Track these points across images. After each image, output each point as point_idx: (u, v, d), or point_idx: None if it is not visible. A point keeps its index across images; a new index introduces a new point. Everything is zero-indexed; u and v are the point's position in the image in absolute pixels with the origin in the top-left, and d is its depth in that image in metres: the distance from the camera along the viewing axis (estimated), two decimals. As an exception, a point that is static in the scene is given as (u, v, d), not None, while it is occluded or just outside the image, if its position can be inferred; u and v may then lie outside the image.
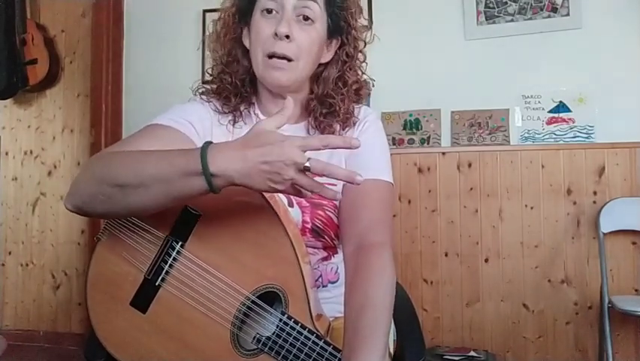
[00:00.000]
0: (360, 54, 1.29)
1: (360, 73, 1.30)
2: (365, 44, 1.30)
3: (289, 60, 1.16)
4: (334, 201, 1.21)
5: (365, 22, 1.33)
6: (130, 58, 3.49)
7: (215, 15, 3.37)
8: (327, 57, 1.25)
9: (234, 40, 1.26)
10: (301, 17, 1.17)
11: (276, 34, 1.14)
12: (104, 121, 3.40)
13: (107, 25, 3.45)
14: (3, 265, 3.66)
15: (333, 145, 0.88)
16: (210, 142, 0.90)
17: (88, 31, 3.56)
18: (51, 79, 3.56)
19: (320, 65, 1.25)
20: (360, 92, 1.29)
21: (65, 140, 3.61)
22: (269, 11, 1.17)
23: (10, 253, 3.65)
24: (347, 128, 1.26)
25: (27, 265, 3.62)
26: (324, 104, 1.24)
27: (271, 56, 1.16)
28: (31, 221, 3.63)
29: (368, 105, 2.91)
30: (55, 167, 3.61)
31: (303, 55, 1.17)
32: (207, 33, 1.34)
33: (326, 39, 1.23)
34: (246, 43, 1.24)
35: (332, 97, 1.23)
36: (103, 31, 3.44)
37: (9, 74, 3.35)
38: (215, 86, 1.29)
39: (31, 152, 3.66)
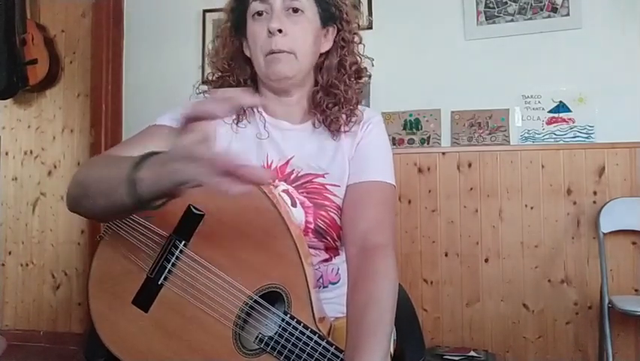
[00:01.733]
0: (355, 37, 1.30)
1: (358, 58, 1.30)
2: (359, 26, 1.32)
3: (287, 52, 1.18)
4: (337, 202, 1.22)
5: (355, 8, 1.34)
6: (130, 58, 3.49)
7: (216, 15, 3.38)
8: (326, 46, 1.27)
9: (235, 51, 1.27)
10: (290, 11, 1.19)
11: (269, 32, 1.16)
12: (104, 121, 3.40)
13: (107, 25, 3.45)
14: (3, 265, 3.65)
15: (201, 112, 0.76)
16: (154, 153, 0.84)
17: (88, 31, 3.56)
18: (51, 79, 3.55)
19: (321, 54, 1.27)
20: (360, 75, 1.30)
21: (65, 140, 3.61)
22: (259, 14, 1.19)
23: (10, 253, 3.65)
24: (351, 124, 1.26)
25: (27, 265, 3.61)
26: (329, 95, 1.25)
27: (270, 54, 1.17)
28: (31, 221, 3.63)
29: (368, 105, 2.92)
30: (55, 167, 3.61)
31: (300, 46, 1.19)
32: (207, 50, 1.36)
33: (321, 28, 1.24)
34: (247, 53, 1.25)
35: (336, 86, 1.25)
36: (103, 31, 3.44)
37: (9, 74, 3.36)
38: (218, 85, 1.29)
39: (31, 152, 3.66)
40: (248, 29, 1.22)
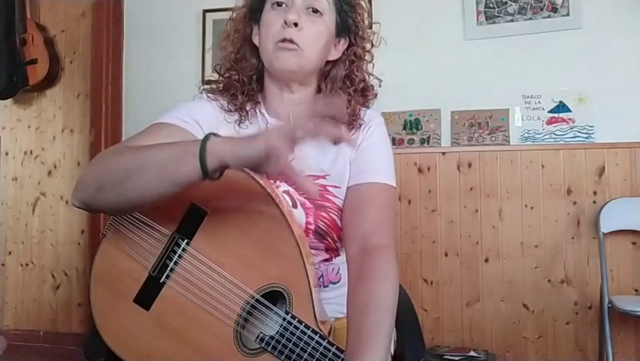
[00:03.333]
0: (367, 55, 1.30)
1: (367, 75, 1.30)
2: (372, 45, 1.31)
3: (297, 46, 1.17)
4: (338, 204, 1.22)
5: (372, 26, 1.35)
6: (130, 58, 3.49)
7: (216, 15, 3.38)
8: (334, 55, 1.26)
9: (244, 38, 1.27)
10: (310, 10, 1.18)
11: (285, 23, 1.15)
12: (104, 121, 3.40)
13: (107, 25, 3.45)
14: (3, 265, 3.65)
15: (319, 112, 0.88)
16: (216, 133, 0.92)
17: (88, 31, 3.56)
18: (51, 79, 3.55)
19: (327, 63, 1.26)
20: (366, 93, 1.29)
21: (65, 140, 3.61)
22: (279, 4, 1.19)
23: (10, 253, 3.65)
24: (353, 131, 1.25)
25: (27, 265, 3.61)
26: None
27: (280, 42, 1.17)
28: (31, 221, 3.63)
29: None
30: (55, 167, 3.61)
31: (311, 43, 1.18)
32: (219, 33, 1.35)
33: (334, 37, 1.24)
34: (256, 41, 1.25)
35: (339, 95, 1.24)
36: (103, 31, 3.45)
37: (9, 74, 3.36)
38: (222, 84, 1.29)
39: (31, 152, 3.66)
40: (263, 17, 1.21)
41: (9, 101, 3.60)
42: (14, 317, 3.61)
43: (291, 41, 1.15)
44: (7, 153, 3.69)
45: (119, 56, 3.49)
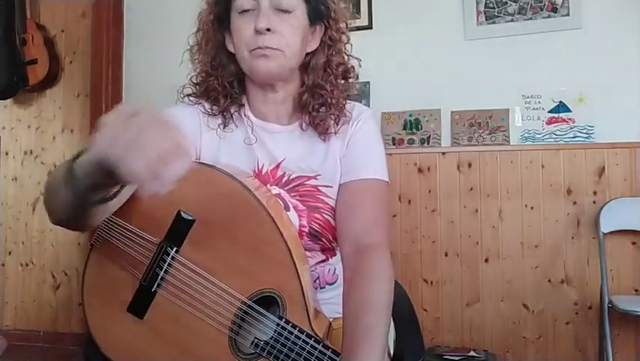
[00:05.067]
0: (343, 36, 1.27)
1: (345, 56, 1.27)
2: (347, 25, 1.28)
3: (275, 50, 1.14)
4: (330, 204, 1.21)
5: (343, 4, 1.31)
6: (130, 58, 3.49)
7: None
8: (313, 45, 1.24)
9: (217, 47, 1.25)
10: (279, 10, 1.15)
11: (257, 31, 1.12)
12: (104, 121, 3.39)
13: (107, 25, 3.45)
14: (3, 265, 3.66)
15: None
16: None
17: (88, 31, 3.56)
18: (51, 79, 3.56)
19: (307, 54, 1.24)
20: (347, 76, 1.28)
21: (65, 140, 3.61)
22: (246, 10, 1.16)
23: (10, 253, 3.65)
24: (341, 125, 1.24)
25: (27, 265, 3.62)
26: (315, 96, 1.22)
27: (256, 49, 1.14)
28: (31, 221, 3.63)
29: (368, 105, 2.92)
30: (55, 167, 3.60)
31: (289, 44, 1.15)
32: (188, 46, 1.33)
33: (309, 27, 1.21)
34: (230, 48, 1.22)
35: (322, 87, 1.22)
36: (103, 31, 3.45)
37: (9, 74, 3.36)
38: (202, 89, 1.27)
39: (31, 152, 3.66)
40: (233, 25, 1.19)
41: (9, 101, 3.61)
42: (14, 317, 3.61)
43: (267, 48, 1.13)
44: (7, 153, 3.70)
45: (119, 56, 3.49)
